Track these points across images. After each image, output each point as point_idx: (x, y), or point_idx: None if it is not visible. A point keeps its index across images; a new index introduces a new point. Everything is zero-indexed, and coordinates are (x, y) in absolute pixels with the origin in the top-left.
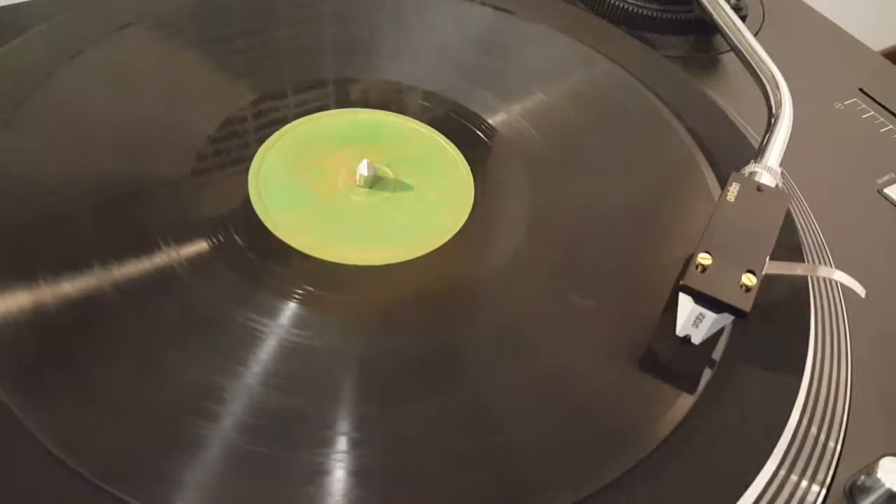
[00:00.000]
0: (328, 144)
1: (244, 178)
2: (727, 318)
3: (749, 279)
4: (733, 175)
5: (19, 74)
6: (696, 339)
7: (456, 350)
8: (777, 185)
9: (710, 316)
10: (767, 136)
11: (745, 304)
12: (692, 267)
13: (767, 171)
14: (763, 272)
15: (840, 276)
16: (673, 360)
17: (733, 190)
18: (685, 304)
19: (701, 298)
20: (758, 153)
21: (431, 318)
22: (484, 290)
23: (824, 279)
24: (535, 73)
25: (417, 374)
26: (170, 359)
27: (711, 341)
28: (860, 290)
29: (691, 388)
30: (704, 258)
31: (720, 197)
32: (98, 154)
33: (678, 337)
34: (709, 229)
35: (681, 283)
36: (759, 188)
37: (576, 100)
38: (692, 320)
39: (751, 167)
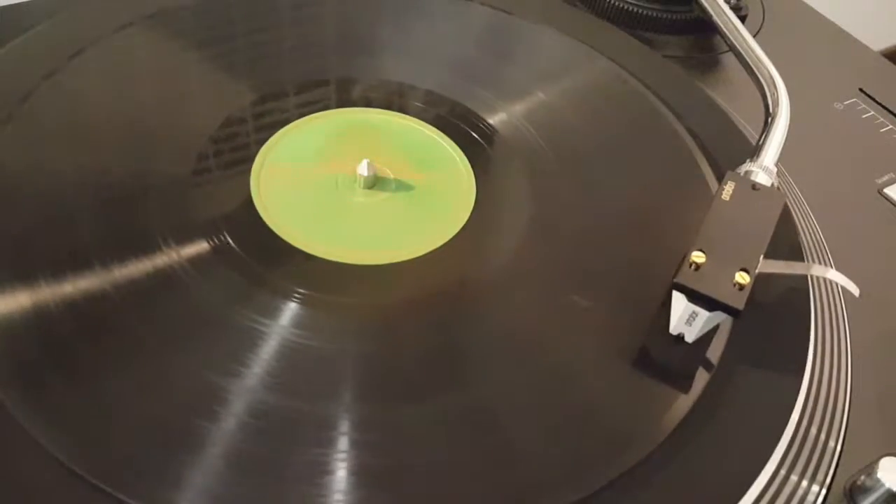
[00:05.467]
0: (329, 144)
1: (245, 178)
2: (720, 317)
3: (743, 278)
4: (729, 174)
5: (19, 74)
6: (690, 337)
7: (456, 350)
8: (772, 185)
9: (704, 314)
10: (764, 135)
11: (739, 302)
12: (686, 265)
13: (763, 170)
14: (757, 271)
15: (834, 276)
16: (673, 361)
17: (728, 189)
18: (679, 302)
19: (694, 296)
20: (754, 152)
21: (431, 318)
22: (484, 289)
23: (824, 279)
24: (535, 73)
25: (417, 374)
26: (170, 359)
27: (710, 341)
28: (854, 289)
29: (691, 389)
30: (698, 256)
31: (715, 196)
32: (98, 154)
33: (672, 336)
34: (703, 228)
35: (674, 280)
36: (755, 187)
37: (576, 100)
38: (685, 318)
39: (746, 166)
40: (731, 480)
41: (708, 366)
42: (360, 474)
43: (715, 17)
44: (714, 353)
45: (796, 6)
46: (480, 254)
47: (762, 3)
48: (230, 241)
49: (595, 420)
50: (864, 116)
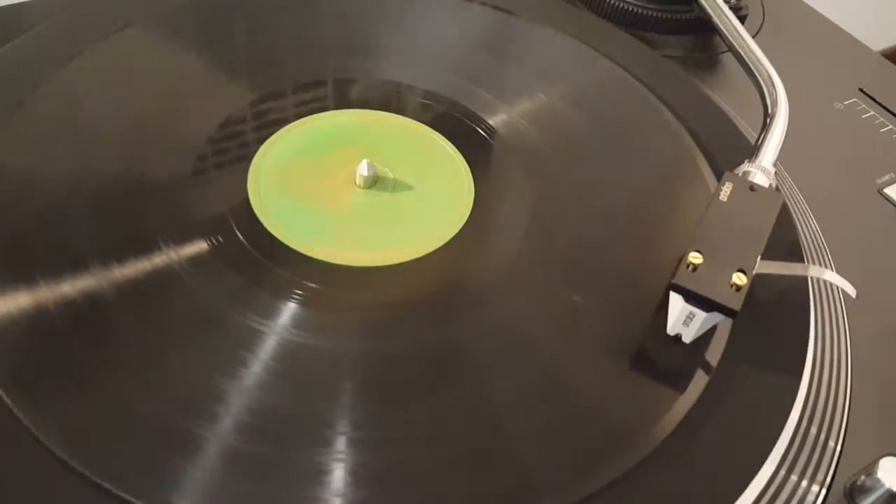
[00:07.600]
0: (328, 145)
1: (244, 178)
2: (718, 318)
3: (740, 278)
4: (726, 174)
5: (19, 74)
6: (687, 338)
7: (455, 350)
8: (770, 185)
9: (701, 315)
10: (762, 135)
11: (736, 303)
12: (683, 266)
13: (761, 170)
14: (754, 272)
15: (831, 276)
16: (673, 361)
17: (726, 189)
18: (676, 302)
19: (691, 297)
20: (752, 153)
21: (431, 318)
22: (483, 290)
23: (823, 279)
24: (535, 74)
25: (417, 374)
26: (170, 359)
27: (710, 342)
28: (851, 290)
29: (691, 389)
30: (695, 257)
31: (712, 196)
32: (98, 154)
33: (669, 336)
34: (700, 228)
35: (671, 281)
36: (753, 188)
37: (576, 100)
38: (683, 319)
39: (744, 167)
40: (731, 480)
41: (707, 366)
42: (360, 474)
43: (714, 18)
44: (714, 353)
45: (796, 6)
46: (479, 254)
47: (762, 3)
48: (229, 241)
49: (594, 420)
50: (864, 116)
